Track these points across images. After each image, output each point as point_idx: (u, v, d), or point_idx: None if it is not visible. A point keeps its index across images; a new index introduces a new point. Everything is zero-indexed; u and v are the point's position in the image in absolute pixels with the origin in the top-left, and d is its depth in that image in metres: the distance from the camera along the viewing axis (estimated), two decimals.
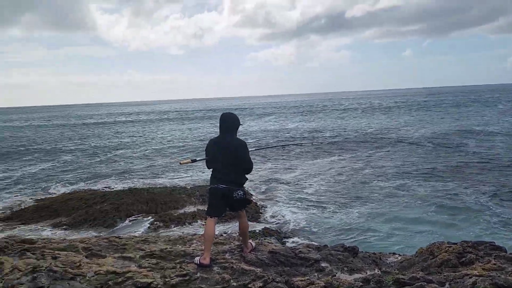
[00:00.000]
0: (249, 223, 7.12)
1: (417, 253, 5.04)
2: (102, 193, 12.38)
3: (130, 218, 10.20)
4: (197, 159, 4.98)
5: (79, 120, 73.77)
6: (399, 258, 5.13)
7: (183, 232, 8.66)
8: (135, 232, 9.10)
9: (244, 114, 66.72)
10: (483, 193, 11.70)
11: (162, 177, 16.21)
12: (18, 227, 9.97)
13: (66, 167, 19.89)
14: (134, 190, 12.34)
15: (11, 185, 15.84)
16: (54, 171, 18.88)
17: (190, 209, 10.62)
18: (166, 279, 4.06)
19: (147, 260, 4.64)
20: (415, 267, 4.58)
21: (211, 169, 4.75)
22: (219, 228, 8.55)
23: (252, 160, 4.76)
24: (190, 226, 9.32)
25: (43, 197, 13.27)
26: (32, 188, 14.93)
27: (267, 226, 9.02)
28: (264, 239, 7.31)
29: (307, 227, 9.43)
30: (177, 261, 4.61)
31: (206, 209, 5.13)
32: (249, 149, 4.72)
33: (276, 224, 9.60)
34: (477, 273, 3.78)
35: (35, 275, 3.97)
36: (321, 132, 32.28)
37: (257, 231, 8.36)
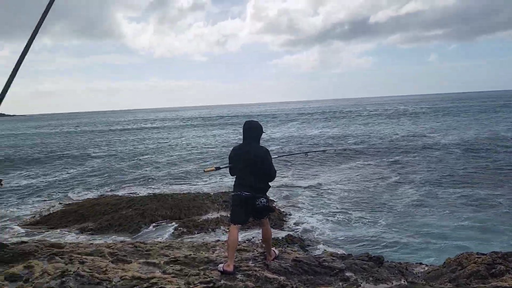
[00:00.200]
0: (272, 230, 7.11)
1: (445, 263, 4.91)
2: (127, 198, 12.58)
3: (154, 224, 10.33)
4: (221, 166, 5.02)
5: (106, 127, 75.41)
6: (426, 268, 5.02)
7: (204, 239, 8.71)
8: (159, 237, 9.21)
9: (266, 120, 66.78)
10: None
11: (186, 183, 16.37)
12: (47, 231, 10.24)
13: (93, 172, 20.33)
14: (159, 195, 12.49)
15: (41, 190, 16.29)
16: (81, 176, 19.32)
17: (213, 215, 10.67)
18: (190, 286, 4.09)
19: (171, 266, 4.68)
20: (442, 278, 4.46)
21: (235, 176, 4.78)
22: (242, 235, 8.55)
23: (275, 167, 4.76)
24: (213, 233, 9.36)
25: (70, 202, 13.59)
26: (60, 193, 15.32)
27: (291, 233, 8.97)
28: (287, 246, 7.28)
29: (331, 235, 9.32)
30: (201, 267, 4.64)
31: (229, 216, 5.15)
32: (272, 157, 4.73)
33: (299, 231, 9.53)
34: (508, 285, 3.66)
35: (63, 279, 4.06)
36: (345, 138, 31.97)
37: (280, 238, 8.32)
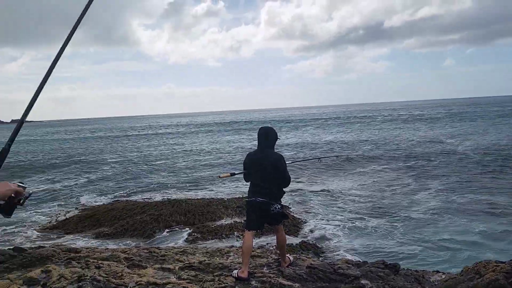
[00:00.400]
0: (287, 236, 7.08)
1: (462, 271, 4.83)
2: (142, 204, 12.69)
3: (168, 229, 10.39)
4: (236, 172, 5.05)
5: (122, 132, 76.31)
6: (443, 276, 4.94)
7: (218, 245, 8.72)
8: (173, 243, 9.25)
9: (280, 125, 66.74)
10: None
11: (200, 189, 16.44)
12: (64, 236, 10.39)
13: (108, 178, 20.57)
14: (173, 201, 12.56)
15: (58, 195, 16.55)
16: (97, 181, 19.57)
17: (227, 221, 10.68)
18: None
19: (186, 272, 4.71)
20: (460, 286, 4.38)
21: (249, 182, 4.80)
22: (256, 241, 8.54)
23: (289, 173, 4.76)
24: (227, 238, 9.36)
25: (86, 207, 13.77)
26: (76, 198, 15.53)
27: (305, 240, 8.92)
28: (302, 253, 7.24)
29: (346, 241, 9.24)
30: (216, 273, 4.65)
31: (243, 221, 5.16)
32: (286, 162, 4.73)
33: (314, 238, 9.47)
34: None
35: (80, 284, 4.12)
36: (360, 144, 31.74)
37: (295, 244, 8.28)
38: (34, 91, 2.07)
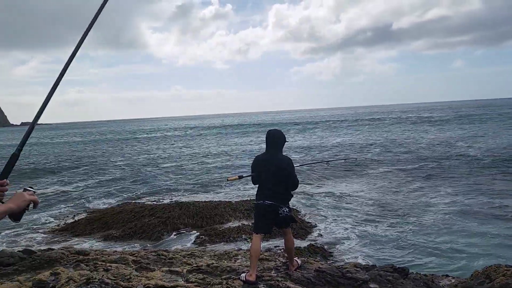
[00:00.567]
0: (295, 239, 7.05)
1: (472, 276, 4.77)
2: (150, 206, 12.73)
3: (176, 232, 10.40)
4: (244, 175, 5.05)
5: (130, 135, 76.74)
6: (453, 281, 4.89)
7: (226, 248, 8.71)
8: (181, 245, 9.26)
9: (288, 128, 66.66)
10: None
11: (208, 191, 16.46)
12: (72, 238, 10.45)
13: (117, 180, 20.68)
14: (181, 203, 12.58)
15: (66, 197, 16.66)
16: (106, 184, 19.68)
17: (235, 223, 10.67)
18: None
19: (194, 275, 4.71)
20: None
21: (257, 185, 4.80)
22: (264, 244, 8.51)
23: (297, 176, 4.75)
24: (235, 241, 9.35)
25: (95, 209, 13.85)
26: (85, 201, 15.63)
27: (313, 243, 8.88)
28: (310, 256, 7.21)
29: (354, 244, 9.18)
30: (223, 276, 4.64)
31: (251, 224, 5.14)
32: (294, 165, 4.73)
33: (322, 241, 9.43)
34: None
35: (88, 286, 4.14)
36: (368, 146, 31.59)
37: (303, 248, 8.24)
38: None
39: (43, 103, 2.06)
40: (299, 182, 4.84)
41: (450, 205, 12.32)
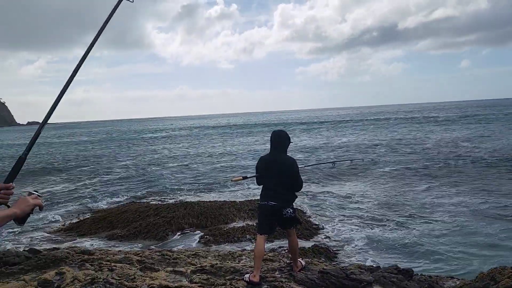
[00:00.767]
0: (299, 240, 7.04)
1: (477, 277, 4.75)
2: (155, 206, 12.76)
3: (180, 232, 10.42)
4: (248, 176, 5.06)
5: (135, 134, 77.01)
6: (458, 282, 4.86)
7: (230, 248, 8.71)
8: (185, 245, 9.28)
9: (293, 128, 66.59)
10: None
11: (213, 191, 16.48)
12: (77, 238, 10.50)
13: (122, 180, 20.76)
14: (185, 203, 12.61)
15: (71, 197, 16.75)
16: (111, 183, 19.76)
17: (239, 223, 10.67)
18: None
19: (198, 275, 4.72)
20: None
21: (262, 186, 4.80)
22: (268, 245, 8.51)
23: (302, 177, 4.75)
24: (239, 242, 9.35)
25: (100, 209, 13.91)
26: (90, 200, 15.69)
27: (318, 244, 8.86)
28: (314, 257, 7.20)
29: (359, 245, 9.16)
30: (227, 277, 4.65)
31: (255, 224, 5.14)
32: (299, 166, 4.72)
33: (326, 242, 9.41)
34: None
35: (93, 286, 4.16)
36: (374, 146, 31.48)
37: (307, 248, 8.23)
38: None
39: (51, 108, 2.08)
40: (304, 182, 4.84)
41: (456, 206, 12.26)
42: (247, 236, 9.57)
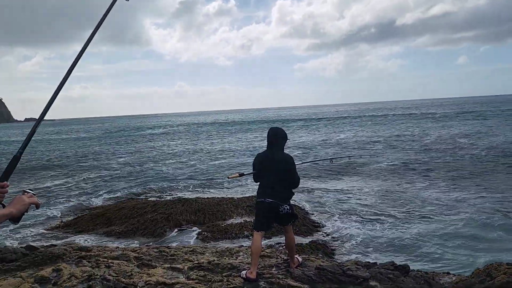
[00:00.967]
0: (296, 236, 7.06)
1: (473, 274, 4.77)
2: (153, 202, 12.77)
3: (178, 228, 10.43)
4: (245, 173, 5.06)
5: (134, 131, 76.89)
6: (454, 278, 4.88)
7: (227, 245, 8.73)
8: (183, 242, 9.29)
9: (291, 124, 66.61)
10: None
11: (210, 188, 16.49)
12: (75, 234, 10.50)
13: (120, 176, 20.75)
14: (183, 200, 12.62)
15: (69, 193, 16.73)
16: (109, 180, 19.75)
17: (237, 220, 10.69)
18: None
19: (195, 272, 4.73)
20: None
21: (259, 183, 4.80)
22: (265, 242, 8.54)
23: (299, 173, 4.76)
24: (237, 238, 9.37)
25: (97, 205, 13.91)
26: (87, 197, 15.69)
27: (315, 240, 8.89)
28: (311, 253, 7.22)
29: (355, 242, 9.18)
30: (224, 274, 4.66)
31: (253, 221, 5.15)
32: (296, 163, 4.73)
33: (324, 238, 9.44)
34: None
35: (90, 283, 4.16)
36: (372, 143, 31.53)
37: (304, 245, 8.25)
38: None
39: (47, 104, 2.07)
40: (303, 179, 4.84)
41: (454, 202, 12.30)
42: (245, 232, 9.59)
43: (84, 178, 20.66)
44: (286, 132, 4.89)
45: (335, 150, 28.60)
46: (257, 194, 4.72)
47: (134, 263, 5.13)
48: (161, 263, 5.22)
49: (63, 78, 2.18)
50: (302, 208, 12.09)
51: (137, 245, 8.63)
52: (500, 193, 13.01)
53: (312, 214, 11.61)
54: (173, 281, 4.36)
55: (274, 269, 4.88)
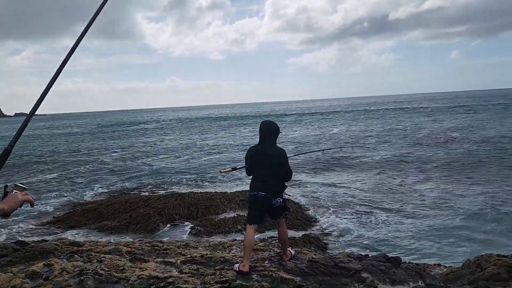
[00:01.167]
0: (289, 231, 7.08)
1: (464, 265, 4.82)
2: (145, 197, 12.73)
3: (172, 223, 10.42)
4: (238, 167, 5.06)
5: (126, 126, 76.45)
6: (445, 270, 4.93)
7: (220, 239, 8.74)
8: (176, 236, 9.28)
9: (284, 119, 66.64)
10: None
11: (203, 182, 16.47)
12: (67, 230, 10.44)
13: (112, 171, 20.64)
14: (176, 194, 12.59)
15: (61, 188, 16.63)
16: (101, 175, 19.64)
17: (230, 214, 10.70)
18: (206, 286, 4.12)
19: (188, 265, 4.72)
20: (461, 280, 4.37)
21: (251, 176, 4.80)
22: (258, 235, 8.55)
23: (291, 166, 4.76)
24: (230, 232, 9.38)
25: (89, 200, 13.83)
26: (79, 192, 15.60)
27: (308, 233, 8.92)
28: (304, 246, 7.25)
29: (349, 235, 9.24)
30: (217, 267, 4.66)
31: (246, 215, 5.15)
32: (288, 155, 4.73)
33: (316, 231, 9.48)
34: None
35: (82, 277, 4.14)
36: (365, 137, 31.66)
37: (297, 238, 8.28)
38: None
39: (39, 99, 2.03)
40: (296, 172, 4.85)
41: (445, 195, 12.41)
42: (238, 226, 9.60)
43: (76, 173, 20.53)
44: (279, 126, 4.88)
45: (329, 144, 28.66)
46: (250, 188, 4.72)
47: (127, 257, 5.12)
48: (153, 258, 5.21)
49: (55, 73, 2.14)
50: (296, 202, 12.12)
51: (130, 240, 8.60)
52: (492, 186, 13.14)
53: (306, 208, 11.65)
54: (165, 275, 4.35)
55: (266, 262, 4.89)
